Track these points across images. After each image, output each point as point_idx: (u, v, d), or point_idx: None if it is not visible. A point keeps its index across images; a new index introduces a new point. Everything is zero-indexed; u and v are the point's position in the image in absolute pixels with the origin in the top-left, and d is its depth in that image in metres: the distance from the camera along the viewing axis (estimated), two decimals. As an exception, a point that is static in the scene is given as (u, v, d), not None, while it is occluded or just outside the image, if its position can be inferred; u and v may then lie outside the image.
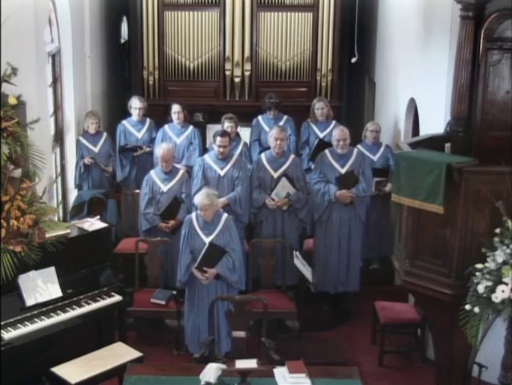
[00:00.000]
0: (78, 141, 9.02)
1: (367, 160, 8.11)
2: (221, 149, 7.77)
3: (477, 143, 6.06)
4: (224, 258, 6.87)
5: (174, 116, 9.02)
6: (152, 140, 9.28)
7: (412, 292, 6.52)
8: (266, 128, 9.24)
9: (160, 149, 7.91)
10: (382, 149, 8.65)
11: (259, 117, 9.47)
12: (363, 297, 8.14)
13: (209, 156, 7.93)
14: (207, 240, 6.93)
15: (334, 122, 9.38)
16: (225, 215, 7.05)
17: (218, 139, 7.76)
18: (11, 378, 5.86)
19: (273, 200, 7.83)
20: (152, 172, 8.01)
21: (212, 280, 6.88)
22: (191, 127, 9.20)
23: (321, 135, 9.20)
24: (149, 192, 7.88)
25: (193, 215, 7.02)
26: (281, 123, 9.28)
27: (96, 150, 8.99)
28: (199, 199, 6.85)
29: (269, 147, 8.19)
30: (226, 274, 6.88)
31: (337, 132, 7.89)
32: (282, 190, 7.85)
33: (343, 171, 7.84)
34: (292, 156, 8.10)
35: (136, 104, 9.17)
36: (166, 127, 9.15)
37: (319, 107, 9.25)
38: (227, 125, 8.58)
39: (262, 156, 8.08)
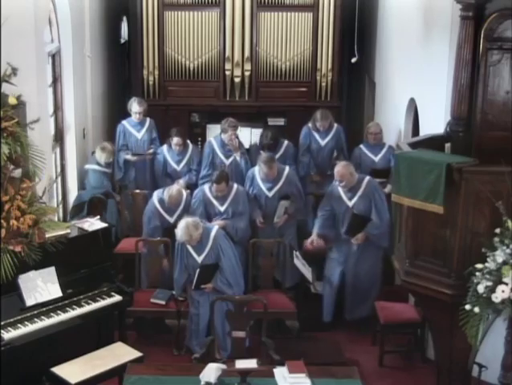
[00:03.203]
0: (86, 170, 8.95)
1: (380, 191, 7.67)
2: (219, 194, 7.77)
3: (477, 144, 6.04)
4: (218, 274, 6.95)
5: (175, 147, 8.91)
6: (152, 141, 9.29)
7: (412, 292, 6.52)
8: None
9: (167, 198, 7.76)
10: (384, 150, 8.62)
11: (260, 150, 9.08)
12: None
13: (209, 192, 7.86)
14: (199, 259, 7.02)
15: (336, 126, 9.23)
16: (214, 231, 7.09)
17: (214, 186, 7.70)
18: (11, 378, 5.85)
19: (261, 221, 7.94)
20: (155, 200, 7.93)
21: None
22: (189, 152, 9.02)
23: (322, 143, 9.13)
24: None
25: None
26: (280, 152, 8.95)
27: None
28: (179, 233, 6.89)
29: None
30: (222, 289, 6.97)
31: (335, 172, 7.59)
32: (281, 208, 7.93)
33: (350, 204, 7.56)
34: (285, 173, 8.04)
35: (135, 109, 9.15)
36: (165, 152, 9.00)
37: (322, 125, 9.02)
38: (230, 133, 8.57)
39: (256, 173, 8.04)
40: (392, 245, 7.77)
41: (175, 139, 8.87)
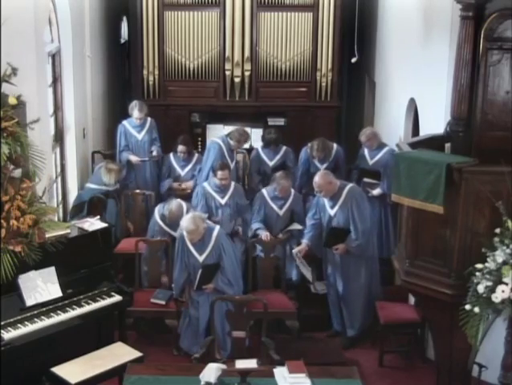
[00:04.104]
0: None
1: (360, 202, 7.45)
2: (222, 182, 7.92)
3: (477, 144, 6.04)
4: (219, 274, 6.96)
5: (179, 154, 9.05)
6: (152, 141, 9.29)
7: (412, 292, 6.52)
8: (266, 160, 9.08)
9: (167, 214, 7.74)
10: (381, 153, 8.53)
11: (259, 149, 9.22)
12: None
13: (209, 186, 8.01)
14: (200, 258, 7.02)
15: (335, 149, 8.99)
16: (217, 230, 7.10)
17: (219, 173, 7.89)
18: (11, 378, 5.86)
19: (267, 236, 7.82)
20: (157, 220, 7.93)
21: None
22: (194, 160, 9.13)
23: (321, 167, 8.95)
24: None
25: (185, 233, 7.01)
26: (280, 154, 9.09)
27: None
28: (185, 223, 6.88)
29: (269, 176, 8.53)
30: (223, 289, 6.98)
31: (313, 183, 7.50)
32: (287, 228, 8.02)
33: (332, 213, 7.45)
34: (293, 191, 8.11)
35: (136, 115, 9.13)
36: (171, 158, 9.12)
37: (317, 156, 8.82)
38: (242, 145, 8.81)
39: (265, 193, 8.05)
40: (388, 249, 7.80)
41: (179, 147, 9.01)
